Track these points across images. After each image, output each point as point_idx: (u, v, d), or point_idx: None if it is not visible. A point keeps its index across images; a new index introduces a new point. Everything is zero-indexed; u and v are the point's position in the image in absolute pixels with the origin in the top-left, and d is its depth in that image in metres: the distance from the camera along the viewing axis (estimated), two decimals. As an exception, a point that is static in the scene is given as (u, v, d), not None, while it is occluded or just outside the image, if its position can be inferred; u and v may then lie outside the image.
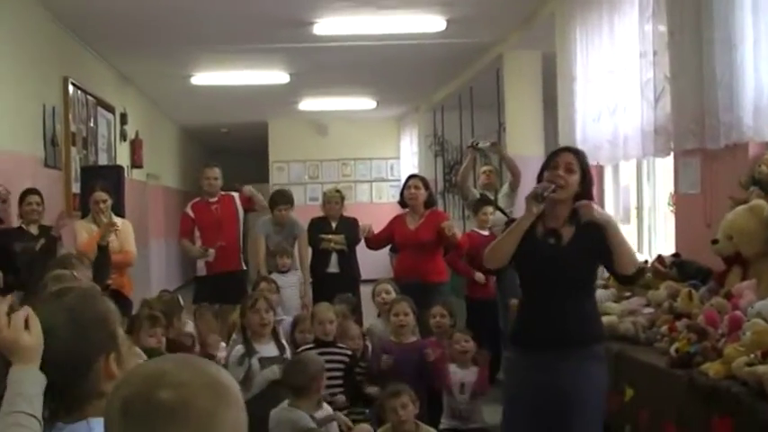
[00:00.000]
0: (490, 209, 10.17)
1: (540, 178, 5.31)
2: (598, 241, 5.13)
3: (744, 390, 4.86)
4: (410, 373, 7.46)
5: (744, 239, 6.48)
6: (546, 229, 5.23)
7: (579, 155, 5.40)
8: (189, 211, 10.98)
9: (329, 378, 7.19)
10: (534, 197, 5.11)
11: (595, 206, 5.12)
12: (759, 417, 4.56)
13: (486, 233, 9.96)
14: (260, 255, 10.83)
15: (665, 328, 6.17)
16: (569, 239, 5.20)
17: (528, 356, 5.28)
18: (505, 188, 10.85)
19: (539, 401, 5.14)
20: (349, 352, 7.63)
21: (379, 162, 24.53)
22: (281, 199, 11.05)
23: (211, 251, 10.50)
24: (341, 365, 7.52)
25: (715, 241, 6.72)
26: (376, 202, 23.06)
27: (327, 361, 7.28)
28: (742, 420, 4.74)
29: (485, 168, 11.38)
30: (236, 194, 11.12)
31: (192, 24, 12.08)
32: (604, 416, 5.25)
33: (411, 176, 10.24)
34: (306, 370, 6.40)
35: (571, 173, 5.20)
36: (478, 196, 10.70)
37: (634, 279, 5.50)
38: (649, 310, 6.87)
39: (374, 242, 10.15)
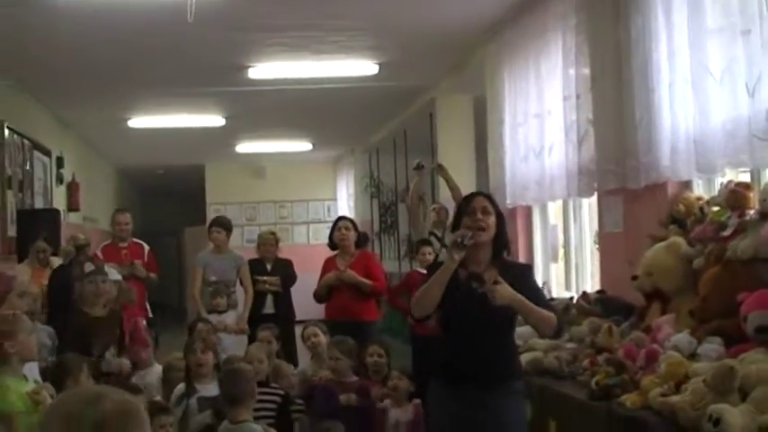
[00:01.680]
0: (429, 248, 10.31)
1: (456, 224, 5.55)
2: (520, 285, 5.35)
3: (658, 419, 5.06)
4: (351, 413, 7.60)
5: (662, 275, 6.71)
6: (469, 273, 5.42)
7: (491, 198, 5.68)
8: (99, 253, 11.16)
9: (261, 418, 7.36)
10: (455, 246, 5.29)
11: (500, 289, 5.22)
12: (671, 444, 4.77)
13: (425, 271, 10.15)
14: (194, 288, 11.01)
15: (586, 362, 6.36)
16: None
17: (451, 390, 5.49)
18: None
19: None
20: (281, 392, 7.71)
21: (315, 204, 24.75)
22: (214, 222, 11.46)
23: (137, 261, 10.95)
24: (273, 405, 7.63)
25: (635, 277, 6.94)
26: (313, 244, 23.04)
27: (259, 401, 7.45)
28: (657, 448, 4.95)
29: (434, 206, 11.50)
30: (146, 246, 11.54)
31: (128, 69, 12.20)
32: None
33: (340, 218, 10.48)
34: (240, 377, 6.50)
35: (488, 215, 5.44)
36: (427, 234, 10.84)
37: (555, 337, 5.76)
38: (572, 345, 7.06)
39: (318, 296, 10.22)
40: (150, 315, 11.23)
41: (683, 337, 5.79)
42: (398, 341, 13.72)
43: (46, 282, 9.51)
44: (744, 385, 4.70)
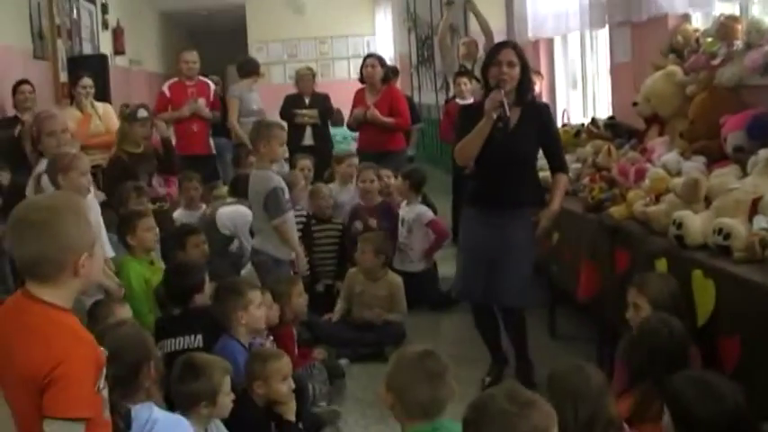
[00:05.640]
0: (465, 79, 10.82)
1: (484, 71, 6.26)
2: (541, 125, 6.33)
3: (638, 227, 5.77)
4: (383, 227, 8.72)
5: (660, 101, 7.33)
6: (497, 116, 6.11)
7: (517, 48, 6.37)
8: (166, 90, 11.62)
9: (324, 252, 8.63)
10: (492, 111, 6.00)
11: (547, 219, 6.31)
12: (647, 248, 5.47)
13: (463, 102, 10.77)
14: (233, 117, 11.76)
15: (586, 180, 7.00)
16: (515, 123, 6.18)
17: (477, 213, 6.40)
18: (482, 55, 11.32)
19: (483, 247, 6.28)
20: (340, 226, 8.88)
21: (355, 39, 24.84)
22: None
23: (201, 100, 11.29)
24: (335, 240, 8.84)
25: (635, 103, 7.58)
26: (354, 78, 23.41)
27: (324, 236, 8.71)
28: (635, 251, 5.68)
29: (464, 40, 11.96)
30: (211, 83, 11.88)
31: None
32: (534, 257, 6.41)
33: (369, 55, 11.07)
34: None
35: (512, 67, 6.14)
36: (458, 67, 11.35)
37: None
38: (577, 165, 7.67)
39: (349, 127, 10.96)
40: (213, 152, 11.72)
41: (672, 156, 6.42)
42: (440, 170, 14.50)
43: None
44: (711, 196, 5.38)
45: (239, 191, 8.43)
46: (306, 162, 9.55)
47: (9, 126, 9.22)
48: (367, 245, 7.85)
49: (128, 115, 9.12)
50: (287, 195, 7.14)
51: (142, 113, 8.83)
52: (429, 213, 8.98)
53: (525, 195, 6.31)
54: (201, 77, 11.83)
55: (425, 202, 9.32)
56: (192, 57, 11.65)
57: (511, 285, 6.23)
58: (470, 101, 9.80)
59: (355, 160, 9.82)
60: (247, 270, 7.43)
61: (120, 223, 7.03)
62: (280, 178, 7.11)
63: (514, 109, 6.17)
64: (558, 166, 6.46)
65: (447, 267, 9.12)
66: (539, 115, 6.36)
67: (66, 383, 3.00)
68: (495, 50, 6.33)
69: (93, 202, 6.58)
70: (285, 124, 10.74)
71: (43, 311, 3.10)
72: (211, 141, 11.67)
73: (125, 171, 8.47)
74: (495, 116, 6.00)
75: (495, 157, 6.16)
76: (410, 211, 8.97)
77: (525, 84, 6.27)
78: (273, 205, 6.98)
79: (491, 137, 6.07)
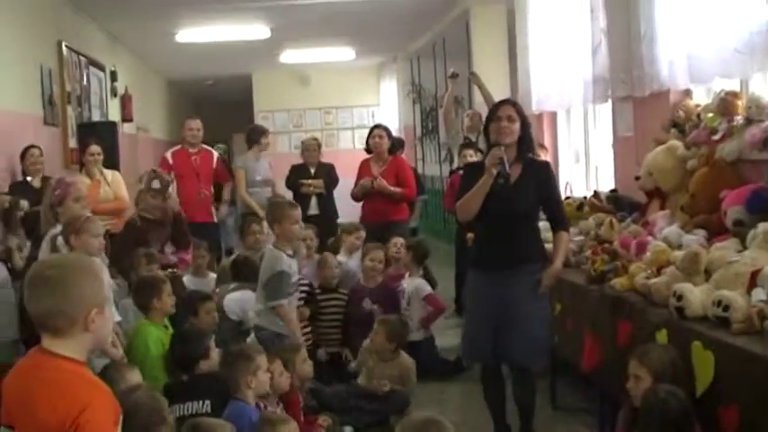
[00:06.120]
0: (470, 151, 10.96)
1: (486, 128, 6.42)
2: (541, 181, 6.41)
3: (639, 299, 5.88)
4: (386, 307, 8.78)
5: (661, 175, 7.47)
6: (498, 171, 6.22)
7: (517, 105, 6.53)
8: (168, 157, 11.77)
9: (329, 320, 8.78)
10: (492, 167, 6.14)
11: (549, 278, 6.36)
12: (648, 319, 5.57)
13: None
14: (241, 188, 11.82)
15: (589, 253, 7.09)
16: (516, 179, 6.28)
17: (482, 274, 6.48)
18: None
19: (491, 309, 6.30)
20: (346, 296, 9.00)
21: (360, 110, 25.09)
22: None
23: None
24: (341, 309, 8.96)
25: (637, 177, 7.72)
26: (359, 149, 23.54)
27: (330, 305, 8.80)
28: (636, 322, 5.77)
29: (468, 112, 12.11)
30: (215, 152, 12.07)
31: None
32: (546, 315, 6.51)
33: (376, 126, 11.23)
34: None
35: (512, 122, 6.29)
36: (462, 139, 11.49)
37: None
38: (580, 237, 7.79)
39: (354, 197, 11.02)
40: (215, 219, 11.92)
41: (673, 230, 6.54)
42: (444, 242, 14.66)
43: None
44: (711, 268, 5.48)
45: (241, 274, 8.61)
46: (309, 232, 9.62)
47: (23, 192, 9.12)
48: (381, 327, 7.96)
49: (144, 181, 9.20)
50: (294, 278, 7.26)
51: (155, 185, 8.85)
52: (427, 287, 9.17)
53: (528, 252, 6.39)
54: (204, 146, 11.98)
55: (427, 274, 9.49)
56: (196, 124, 11.81)
57: (521, 343, 6.26)
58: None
59: (363, 233, 9.99)
60: (251, 339, 7.49)
61: (142, 287, 7.12)
62: (291, 262, 7.19)
63: (515, 165, 6.30)
64: (558, 223, 6.54)
65: (445, 338, 9.40)
66: (539, 172, 6.47)
67: (91, 429, 3.10)
68: (495, 108, 6.51)
69: (102, 265, 6.71)
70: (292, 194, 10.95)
71: (60, 364, 3.22)
72: (213, 209, 11.85)
73: (137, 237, 8.53)
74: (495, 172, 6.12)
75: (497, 213, 6.27)
76: (410, 283, 9.15)
77: (526, 140, 6.42)
78: (272, 288, 7.09)
79: (491, 193, 6.19)
